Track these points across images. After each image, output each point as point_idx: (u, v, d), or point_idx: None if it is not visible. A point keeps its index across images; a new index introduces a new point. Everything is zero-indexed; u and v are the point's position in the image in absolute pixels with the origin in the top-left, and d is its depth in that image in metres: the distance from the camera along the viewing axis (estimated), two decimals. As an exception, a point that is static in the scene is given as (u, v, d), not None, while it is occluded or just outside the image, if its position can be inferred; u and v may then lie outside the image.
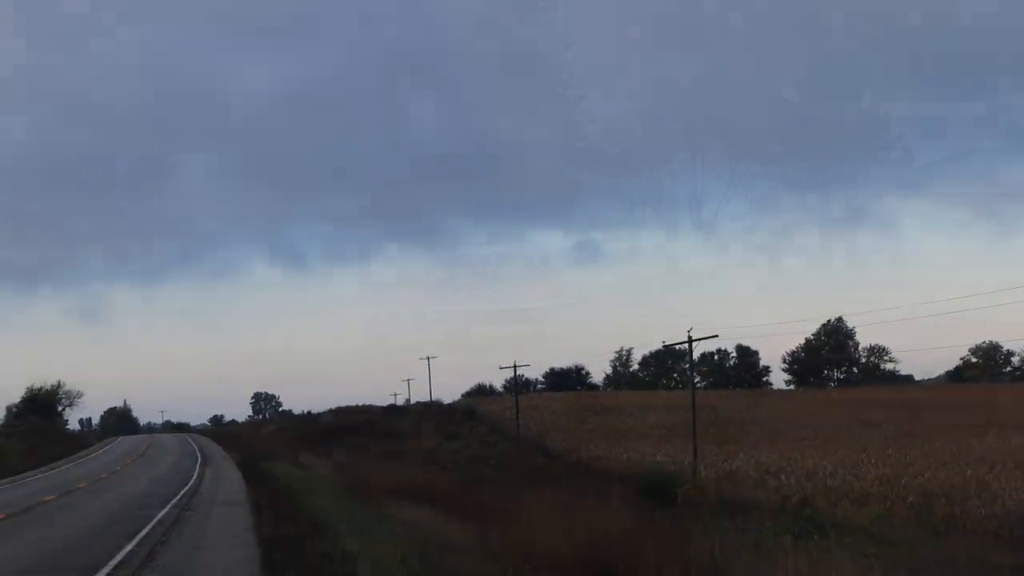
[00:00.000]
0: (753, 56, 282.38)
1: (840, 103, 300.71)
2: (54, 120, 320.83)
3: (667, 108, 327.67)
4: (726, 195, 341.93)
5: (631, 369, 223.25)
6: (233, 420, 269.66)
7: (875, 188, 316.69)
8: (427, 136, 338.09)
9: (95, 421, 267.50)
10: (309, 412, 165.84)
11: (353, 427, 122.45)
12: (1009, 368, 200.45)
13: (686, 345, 71.08)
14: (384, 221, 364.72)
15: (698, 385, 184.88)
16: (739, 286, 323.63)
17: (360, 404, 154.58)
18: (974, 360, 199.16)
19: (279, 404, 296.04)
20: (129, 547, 25.72)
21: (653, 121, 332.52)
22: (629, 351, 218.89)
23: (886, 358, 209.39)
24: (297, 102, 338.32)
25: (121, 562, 23.02)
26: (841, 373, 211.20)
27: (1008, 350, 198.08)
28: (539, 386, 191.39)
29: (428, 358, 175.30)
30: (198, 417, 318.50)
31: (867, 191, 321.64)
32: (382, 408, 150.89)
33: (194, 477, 58.63)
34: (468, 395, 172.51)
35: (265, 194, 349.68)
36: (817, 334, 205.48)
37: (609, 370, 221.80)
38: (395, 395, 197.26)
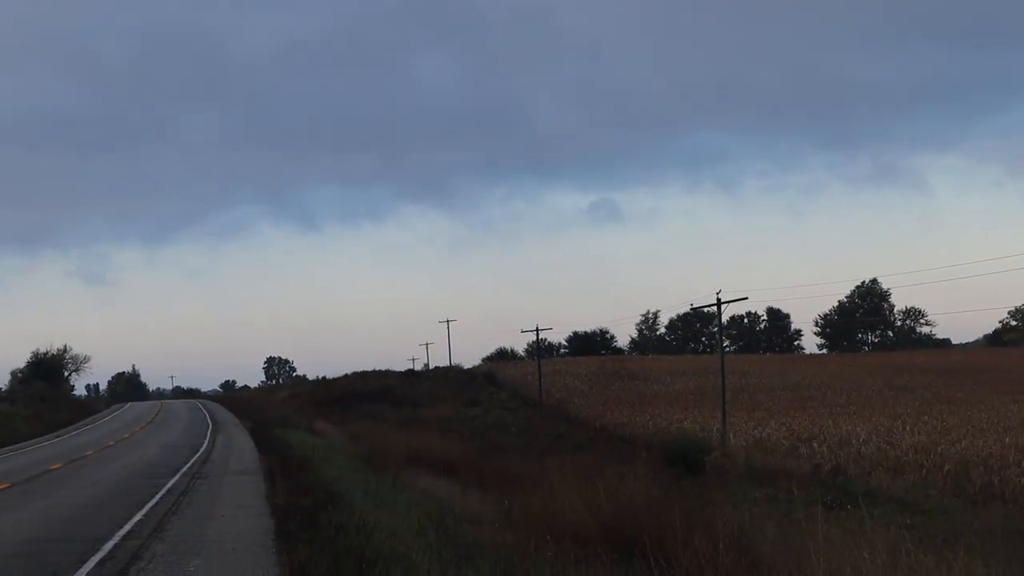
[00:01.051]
0: (776, 10, 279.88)
1: (865, 57, 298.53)
2: (54, 79, 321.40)
3: (686, 64, 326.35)
4: (749, 152, 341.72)
5: (658, 333, 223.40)
6: (245, 386, 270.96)
7: (904, 145, 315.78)
8: (440, 94, 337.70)
9: (103, 387, 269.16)
10: (324, 378, 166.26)
11: (369, 393, 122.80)
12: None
13: (714, 307, 71.00)
14: (396, 180, 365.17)
15: (727, 349, 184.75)
16: (767, 246, 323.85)
17: (377, 369, 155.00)
18: (1014, 323, 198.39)
19: (293, 369, 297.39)
20: (138, 516, 25.87)
21: (672, 78, 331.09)
22: (656, 314, 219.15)
23: (922, 321, 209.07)
24: (303, 58, 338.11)
25: (130, 532, 23.15)
26: (876, 337, 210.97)
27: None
28: (562, 351, 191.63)
29: (447, 321, 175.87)
30: (209, 383, 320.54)
31: (896, 148, 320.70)
32: (399, 373, 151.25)
33: (205, 444, 58.89)
34: (489, 360, 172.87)
35: (271, 152, 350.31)
36: (851, 296, 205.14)
37: (635, 334, 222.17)
38: (413, 360, 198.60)
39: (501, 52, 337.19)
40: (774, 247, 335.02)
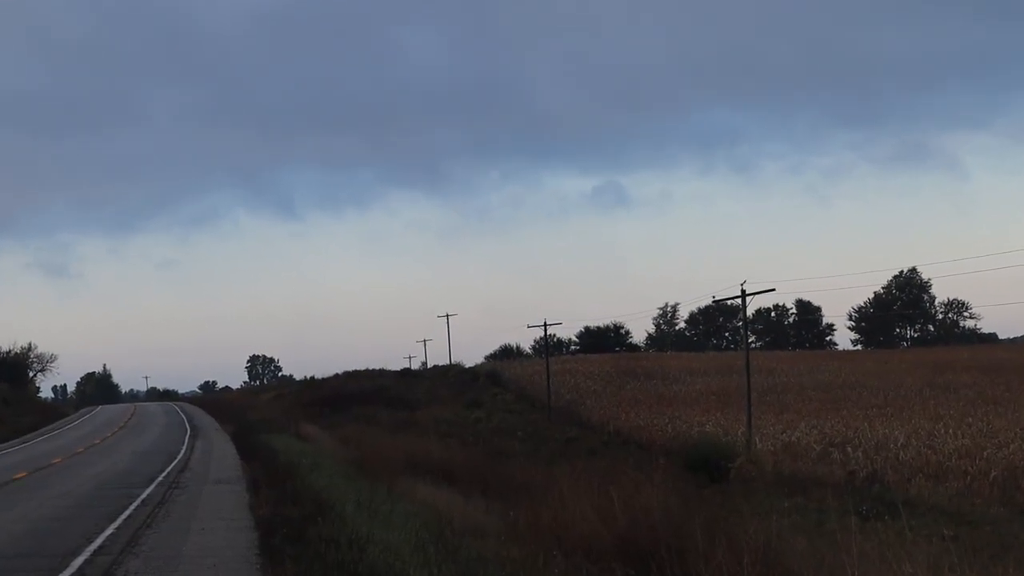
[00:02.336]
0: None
1: (887, 26, 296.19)
2: (7, 54, 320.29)
3: (694, 36, 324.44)
4: (764, 132, 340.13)
5: (677, 327, 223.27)
6: (227, 387, 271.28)
7: (933, 122, 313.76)
8: (428, 69, 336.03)
9: (71, 388, 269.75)
10: (312, 378, 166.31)
11: (362, 394, 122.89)
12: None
13: (739, 300, 70.92)
14: (383, 163, 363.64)
15: (753, 345, 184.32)
16: (790, 234, 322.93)
17: (370, 368, 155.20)
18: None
19: (278, 369, 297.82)
20: (110, 530, 25.90)
21: (678, 51, 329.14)
22: (675, 307, 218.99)
23: (966, 314, 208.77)
24: (279, 29, 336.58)
25: (101, 547, 23.18)
26: (915, 331, 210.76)
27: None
28: (572, 347, 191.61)
29: (447, 316, 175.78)
30: (187, 384, 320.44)
31: (925, 126, 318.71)
32: (394, 373, 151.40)
33: (183, 451, 58.99)
34: (492, 358, 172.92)
35: (245, 133, 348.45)
36: (887, 287, 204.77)
37: (652, 329, 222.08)
38: (409, 358, 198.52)
39: (495, 24, 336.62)
40: (798, 234, 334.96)
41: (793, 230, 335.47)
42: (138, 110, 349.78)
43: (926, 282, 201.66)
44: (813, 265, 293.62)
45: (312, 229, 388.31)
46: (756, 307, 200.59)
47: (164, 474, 43.59)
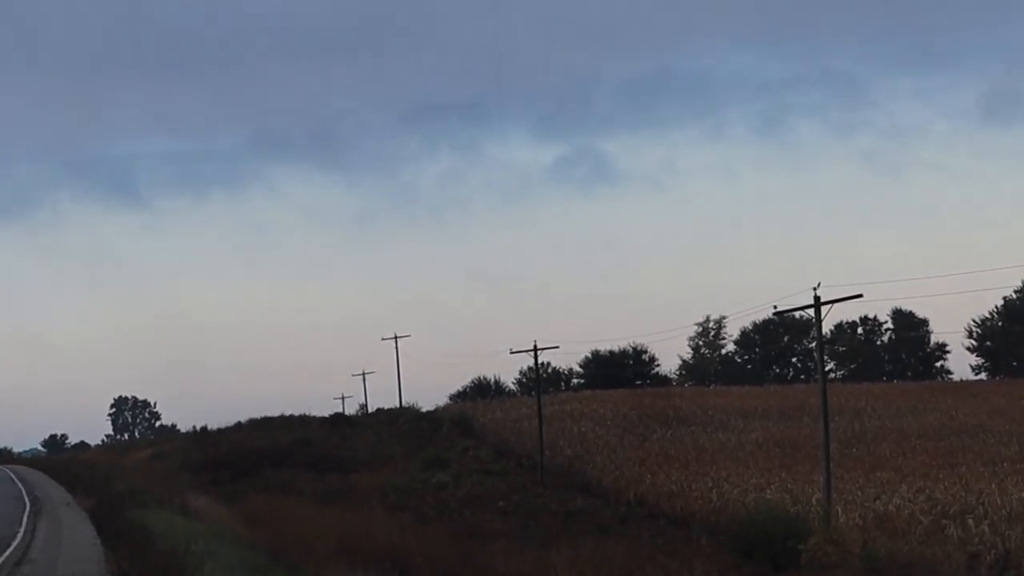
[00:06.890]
0: None
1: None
2: None
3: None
4: (790, 76, 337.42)
5: (723, 351, 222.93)
6: (82, 443, 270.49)
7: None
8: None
9: None
10: (204, 429, 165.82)
11: (275, 451, 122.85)
12: None
13: (810, 311, 70.86)
14: (252, 127, 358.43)
15: (832, 375, 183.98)
16: (850, 217, 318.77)
17: (287, 414, 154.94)
18: None
19: (155, 416, 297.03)
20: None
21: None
22: (719, 323, 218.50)
23: None
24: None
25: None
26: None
27: None
28: (575, 381, 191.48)
29: (395, 338, 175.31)
30: (25, 439, 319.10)
31: (1018, 64, 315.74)
32: (321, 420, 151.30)
33: (20, 535, 58.84)
34: (460, 397, 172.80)
35: (49, 86, 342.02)
36: (1022, 291, 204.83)
37: (687, 353, 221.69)
38: (342, 399, 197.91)
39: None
40: (863, 218, 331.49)
41: (853, 212, 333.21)
42: None
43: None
44: (896, 261, 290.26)
45: (165, 219, 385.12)
46: (835, 320, 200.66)
47: (-7, 568, 43.51)
